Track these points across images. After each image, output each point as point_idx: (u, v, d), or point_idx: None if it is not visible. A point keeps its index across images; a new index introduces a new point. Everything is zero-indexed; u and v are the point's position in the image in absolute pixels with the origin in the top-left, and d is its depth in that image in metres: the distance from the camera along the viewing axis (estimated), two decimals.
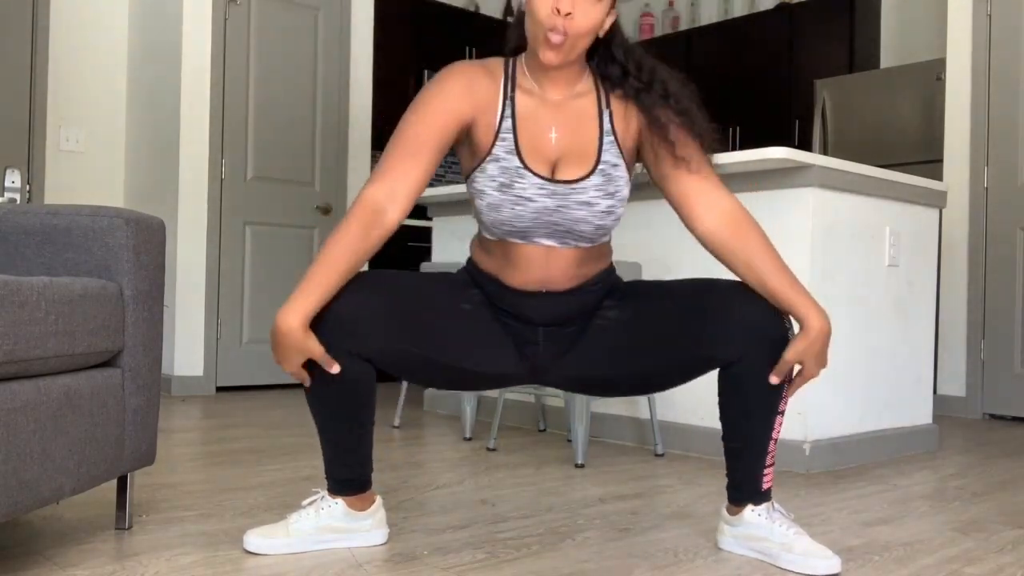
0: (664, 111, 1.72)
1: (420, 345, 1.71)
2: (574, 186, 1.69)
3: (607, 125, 1.73)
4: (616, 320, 1.79)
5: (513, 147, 1.69)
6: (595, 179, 1.70)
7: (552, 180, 1.69)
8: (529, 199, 1.67)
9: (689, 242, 3.05)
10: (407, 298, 1.71)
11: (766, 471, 1.76)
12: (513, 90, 1.74)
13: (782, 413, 1.74)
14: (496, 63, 1.78)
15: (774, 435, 1.75)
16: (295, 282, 4.89)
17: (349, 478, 1.79)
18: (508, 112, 1.71)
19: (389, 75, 5.82)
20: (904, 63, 5.23)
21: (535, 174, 1.68)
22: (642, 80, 1.74)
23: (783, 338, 1.67)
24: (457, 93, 1.70)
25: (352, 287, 1.65)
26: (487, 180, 1.70)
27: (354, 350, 1.65)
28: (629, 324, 1.77)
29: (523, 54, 1.78)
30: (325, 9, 5.04)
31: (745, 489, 1.78)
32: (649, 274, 3.12)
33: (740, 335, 1.66)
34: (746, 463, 1.76)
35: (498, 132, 1.70)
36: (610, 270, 1.84)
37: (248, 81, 4.75)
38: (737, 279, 1.72)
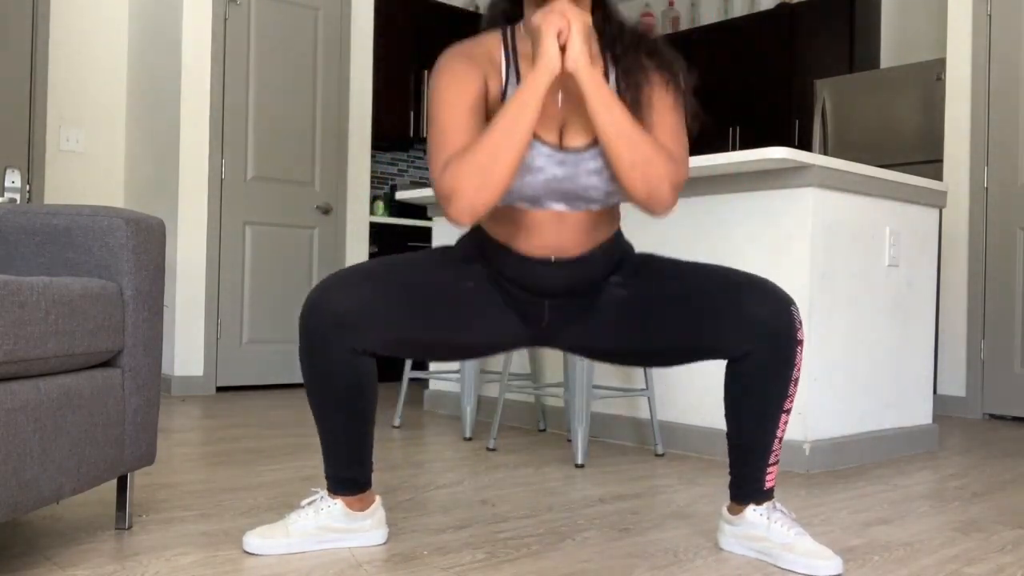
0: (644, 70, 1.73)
1: (423, 330, 1.72)
2: (583, 154, 1.68)
3: (611, 86, 1.72)
4: (626, 298, 1.78)
5: None
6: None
7: (561, 148, 1.68)
8: (539, 168, 1.66)
9: (692, 238, 3.04)
10: (405, 285, 1.71)
11: (769, 470, 1.76)
12: (515, 57, 1.73)
13: (788, 412, 1.74)
14: (491, 35, 1.78)
15: (779, 434, 1.75)
16: (295, 282, 4.89)
17: (349, 478, 1.79)
18: (512, 78, 1.71)
19: (389, 75, 5.82)
20: (904, 63, 5.23)
21: (544, 143, 1.67)
22: (636, 47, 1.76)
23: (790, 337, 1.67)
24: (463, 68, 1.69)
25: (347, 281, 1.66)
26: None
27: (358, 347, 1.66)
28: (638, 304, 1.77)
29: (520, 23, 1.78)
30: (325, 9, 5.04)
31: (748, 487, 1.78)
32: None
33: (748, 332, 1.67)
34: (750, 461, 1.76)
35: (503, 99, 1.70)
36: (618, 235, 1.82)
37: (248, 81, 4.75)
38: (748, 271, 1.73)
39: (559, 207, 1.71)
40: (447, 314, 1.75)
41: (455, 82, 1.67)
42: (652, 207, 1.65)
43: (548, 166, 1.66)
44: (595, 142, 1.68)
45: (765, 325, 1.66)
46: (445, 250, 1.84)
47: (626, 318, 1.78)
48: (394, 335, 1.69)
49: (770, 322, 1.66)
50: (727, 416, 1.78)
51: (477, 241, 1.81)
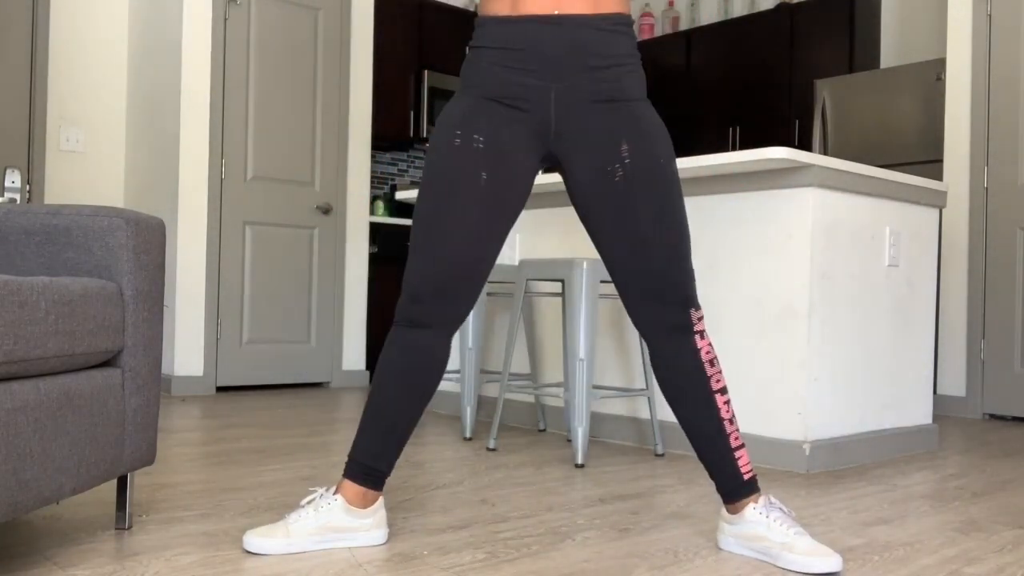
0: None
1: (463, 228, 1.77)
2: None
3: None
4: (622, 176, 1.76)
5: None
6: None
7: None
8: None
9: (693, 238, 3.04)
10: (436, 222, 1.77)
11: (737, 455, 1.79)
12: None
13: (722, 392, 1.80)
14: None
15: (724, 415, 1.80)
16: (295, 282, 4.89)
17: (374, 468, 1.81)
18: None
19: (389, 75, 5.83)
20: (904, 63, 5.23)
21: None
22: None
23: (685, 324, 1.77)
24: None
25: (408, 262, 1.79)
26: None
27: (436, 311, 1.78)
28: (623, 197, 1.76)
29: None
30: (325, 9, 5.04)
31: (729, 481, 1.80)
32: None
33: (644, 329, 1.81)
34: (712, 449, 1.81)
35: None
36: (627, 18, 1.80)
37: (248, 81, 4.75)
38: (685, 249, 1.79)
39: None
40: (474, 192, 1.76)
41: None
42: None
43: None
44: None
45: (657, 322, 1.79)
46: (445, 125, 1.80)
47: (609, 202, 1.78)
48: (449, 261, 1.75)
49: (661, 318, 1.78)
50: (676, 418, 1.86)
51: (475, 44, 1.80)
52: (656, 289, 1.77)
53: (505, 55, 1.76)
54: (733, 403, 2.93)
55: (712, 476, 1.83)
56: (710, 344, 1.81)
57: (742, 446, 1.80)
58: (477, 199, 1.75)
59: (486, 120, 1.77)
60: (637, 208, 1.75)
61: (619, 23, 1.77)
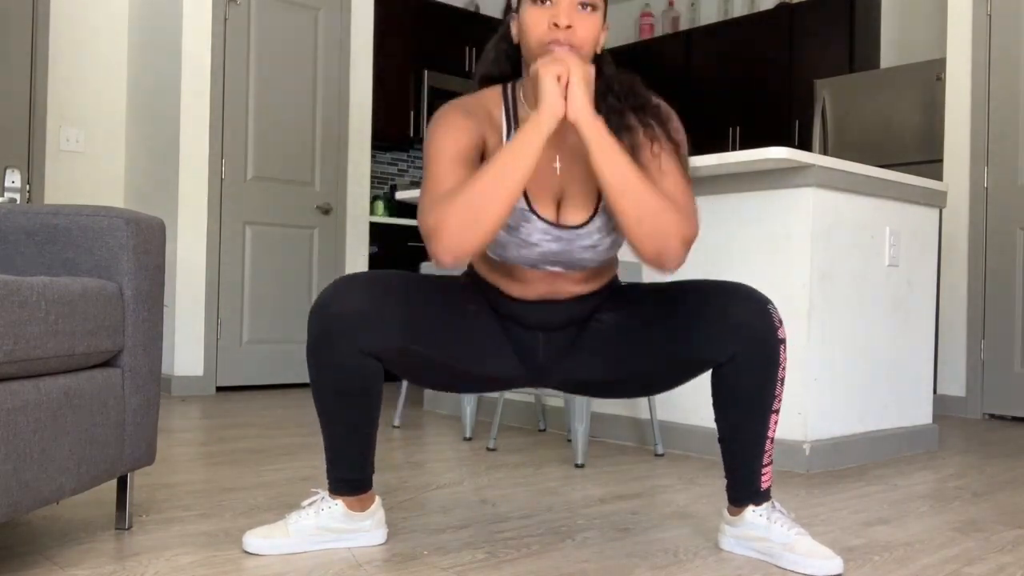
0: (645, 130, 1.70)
1: (428, 344, 1.70)
2: (579, 231, 1.68)
3: None
4: (612, 324, 1.78)
5: None
6: (598, 221, 1.69)
7: (557, 225, 1.67)
8: (535, 244, 1.67)
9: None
10: (416, 296, 1.70)
11: (764, 470, 1.76)
12: (515, 113, 1.73)
13: (777, 411, 1.74)
14: (492, 92, 1.78)
15: (770, 434, 1.74)
16: (295, 282, 4.89)
17: (351, 478, 1.79)
18: (512, 134, 1.70)
19: (389, 75, 5.83)
20: (904, 63, 5.23)
21: (540, 218, 1.67)
22: (627, 101, 1.73)
23: (772, 336, 1.67)
24: (459, 120, 1.68)
25: (359, 283, 1.65)
26: None
27: (365, 348, 1.64)
28: (624, 328, 1.77)
29: (519, 82, 1.77)
30: (325, 9, 5.04)
31: (744, 489, 1.78)
32: (650, 275, 3.11)
33: (728, 335, 1.66)
34: (744, 463, 1.76)
35: None
36: (615, 278, 1.85)
37: (248, 81, 4.75)
38: (722, 279, 1.73)
39: (555, 269, 1.73)
40: (451, 332, 1.73)
41: (451, 133, 1.66)
42: (662, 263, 1.60)
43: (543, 242, 1.67)
44: (590, 219, 1.68)
45: (747, 327, 1.65)
46: (451, 277, 1.85)
47: (617, 342, 1.77)
48: (398, 343, 1.66)
49: (752, 323, 1.65)
50: (717, 419, 1.78)
51: (473, 278, 1.83)
52: (723, 308, 1.70)
53: (495, 308, 1.79)
54: None
55: (729, 479, 1.80)
56: (786, 359, 1.73)
57: (771, 463, 1.77)
58: (463, 315, 1.77)
59: (482, 308, 1.80)
60: (649, 319, 1.76)
61: (605, 290, 1.81)
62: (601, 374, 1.80)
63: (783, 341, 1.69)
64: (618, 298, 1.82)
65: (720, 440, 1.79)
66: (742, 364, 1.67)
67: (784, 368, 1.71)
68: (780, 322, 1.69)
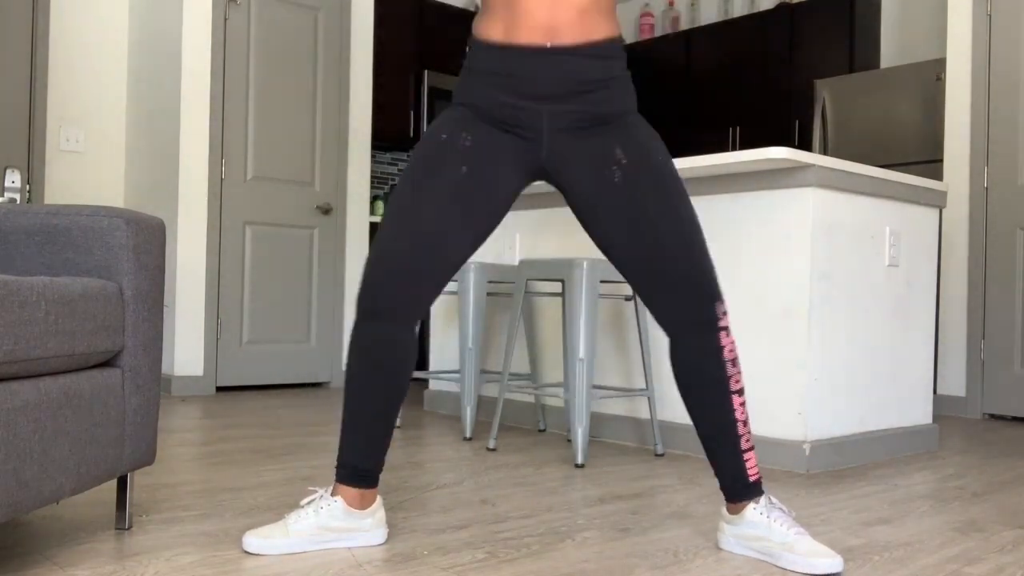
0: None
1: (435, 228, 1.76)
2: None
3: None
4: (619, 181, 1.76)
5: None
6: None
7: None
8: None
9: None
10: (412, 218, 1.76)
11: (746, 457, 1.78)
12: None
13: (739, 393, 1.78)
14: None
15: (738, 417, 1.78)
16: (295, 282, 4.89)
17: (364, 468, 1.80)
18: None
19: (389, 75, 5.82)
20: (904, 63, 5.23)
21: None
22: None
23: (710, 320, 1.76)
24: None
25: (372, 256, 1.77)
26: None
27: (399, 310, 1.75)
28: (628, 200, 1.76)
29: None
30: (325, 9, 5.04)
31: (733, 482, 1.79)
32: None
33: (669, 326, 1.79)
34: (721, 450, 1.80)
35: None
36: (618, 42, 1.81)
37: (248, 81, 4.75)
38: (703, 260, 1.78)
39: None
40: (452, 180, 1.77)
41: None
42: None
43: None
44: None
45: (682, 316, 1.77)
46: (436, 125, 1.83)
47: (614, 206, 1.78)
48: (411, 240, 1.74)
49: (686, 311, 1.76)
50: (688, 412, 1.84)
51: (469, 66, 1.81)
52: (679, 285, 1.75)
53: (497, 79, 1.77)
54: None
55: (717, 475, 1.82)
56: (733, 342, 1.80)
57: (751, 448, 1.79)
58: (453, 186, 1.76)
59: (477, 128, 1.79)
60: (646, 207, 1.75)
61: (609, 48, 1.78)
62: (598, 215, 1.81)
63: (724, 328, 1.78)
64: (636, 147, 1.78)
65: (698, 434, 1.84)
66: (683, 349, 1.79)
67: (732, 351, 1.78)
68: (723, 313, 1.79)
